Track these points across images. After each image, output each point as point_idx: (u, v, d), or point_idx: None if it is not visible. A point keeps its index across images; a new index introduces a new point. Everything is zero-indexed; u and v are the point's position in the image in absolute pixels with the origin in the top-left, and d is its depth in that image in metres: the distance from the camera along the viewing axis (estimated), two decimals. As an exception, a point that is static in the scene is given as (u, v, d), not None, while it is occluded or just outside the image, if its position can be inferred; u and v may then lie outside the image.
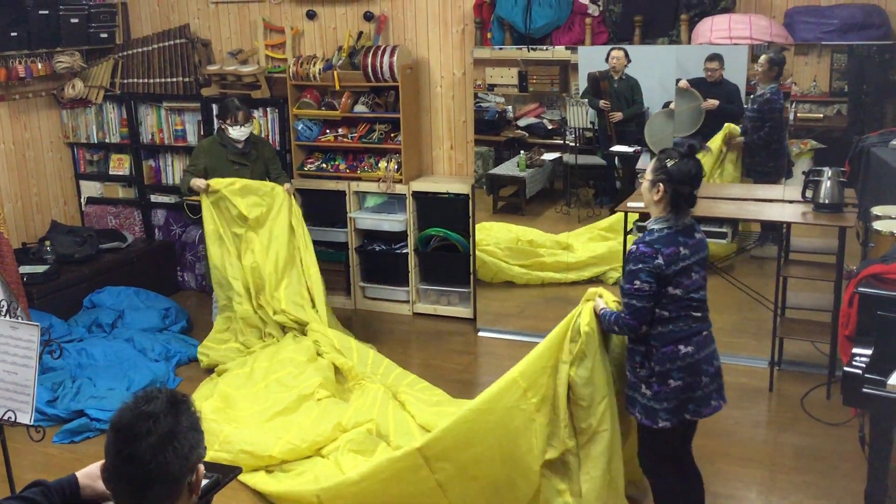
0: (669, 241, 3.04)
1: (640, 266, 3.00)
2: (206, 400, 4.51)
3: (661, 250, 3.00)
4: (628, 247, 5.01)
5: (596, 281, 5.65)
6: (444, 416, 4.18)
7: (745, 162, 5.20)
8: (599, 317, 3.22)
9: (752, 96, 5.02)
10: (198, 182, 5.16)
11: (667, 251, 3.01)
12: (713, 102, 5.10)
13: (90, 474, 2.12)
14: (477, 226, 5.78)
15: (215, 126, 5.51)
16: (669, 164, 3.05)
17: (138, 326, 5.59)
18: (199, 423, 1.85)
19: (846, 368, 3.25)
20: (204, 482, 2.15)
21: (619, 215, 5.02)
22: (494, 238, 5.89)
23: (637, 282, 3.01)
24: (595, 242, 5.69)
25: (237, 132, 5.22)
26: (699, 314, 3.10)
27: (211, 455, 3.80)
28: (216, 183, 5.17)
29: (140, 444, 1.74)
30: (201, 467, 1.84)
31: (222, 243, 5.25)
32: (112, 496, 1.84)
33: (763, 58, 4.91)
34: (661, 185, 3.05)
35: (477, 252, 5.79)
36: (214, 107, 6.28)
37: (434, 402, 4.48)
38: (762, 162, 5.15)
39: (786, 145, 5.08)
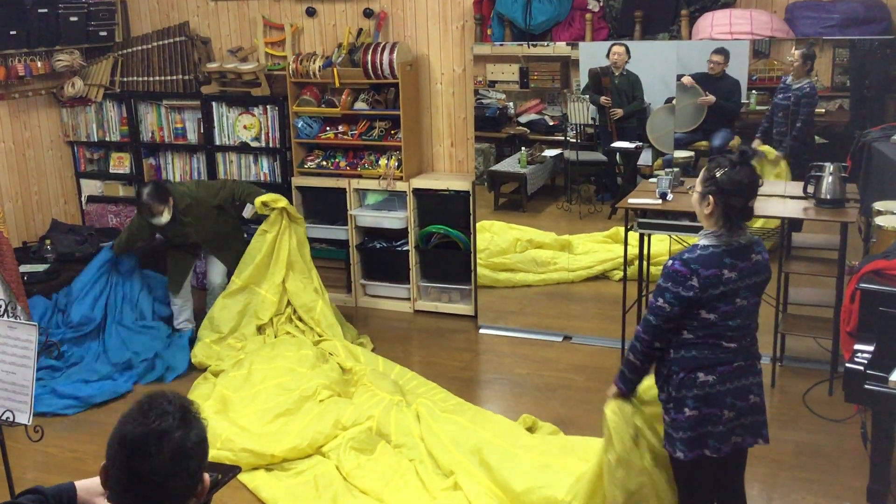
0: (712, 261, 2.75)
1: (669, 286, 2.77)
2: (206, 401, 4.50)
3: (699, 271, 2.73)
4: (630, 243, 5.09)
5: (602, 277, 5.64)
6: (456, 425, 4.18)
7: (791, 161, 4.98)
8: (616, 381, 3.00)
9: (782, 85, 4.92)
10: None
11: (705, 273, 2.73)
12: (710, 98, 5.08)
13: (90, 489, 2.06)
14: (477, 224, 5.76)
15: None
16: (718, 173, 2.75)
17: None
18: (205, 433, 1.81)
19: (848, 365, 3.25)
20: None
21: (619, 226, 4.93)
22: (497, 245, 5.83)
23: (661, 300, 2.79)
24: (597, 244, 5.67)
25: (154, 221, 5.19)
26: (732, 345, 2.82)
27: (213, 454, 3.76)
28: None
29: (151, 462, 1.69)
30: (207, 476, 1.81)
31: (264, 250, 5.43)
32: None
33: (795, 52, 4.85)
34: (710, 197, 2.76)
35: (483, 271, 5.78)
36: (214, 104, 6.32)
37: (449, 408, 4.45)
38: (810, 158, 4.86)
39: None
